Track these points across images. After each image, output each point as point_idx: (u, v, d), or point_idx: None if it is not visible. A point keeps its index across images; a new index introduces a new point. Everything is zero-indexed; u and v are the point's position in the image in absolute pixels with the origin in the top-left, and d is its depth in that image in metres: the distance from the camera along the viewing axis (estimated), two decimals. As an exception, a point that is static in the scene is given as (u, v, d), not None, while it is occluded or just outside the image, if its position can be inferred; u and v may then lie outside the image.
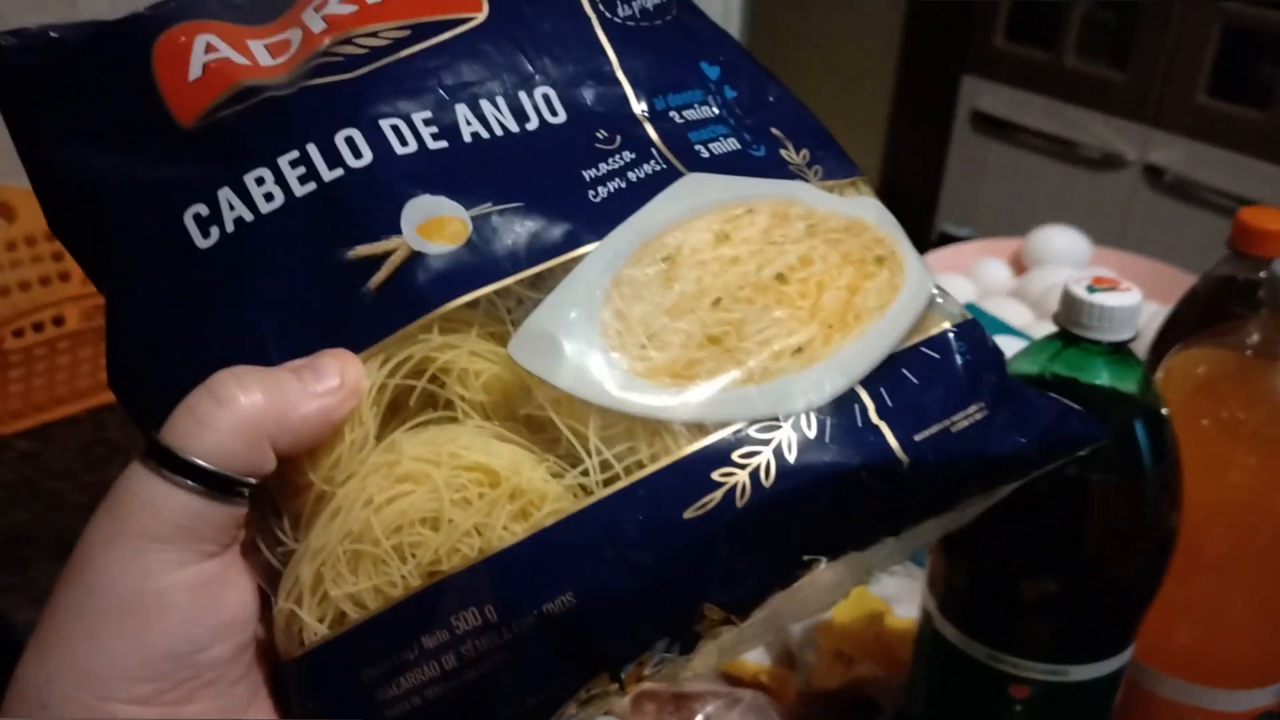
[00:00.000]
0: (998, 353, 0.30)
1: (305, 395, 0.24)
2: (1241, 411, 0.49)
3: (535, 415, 0.26)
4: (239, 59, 0.29)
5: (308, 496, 0.26)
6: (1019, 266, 0.96)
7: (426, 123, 0.28)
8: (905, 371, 0.28)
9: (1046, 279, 0.90)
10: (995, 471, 0.30)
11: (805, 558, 0.27)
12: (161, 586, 0.23)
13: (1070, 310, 0.44)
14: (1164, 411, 0.45)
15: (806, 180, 0.31)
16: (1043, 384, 0.46)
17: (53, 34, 0.29)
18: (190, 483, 0.24)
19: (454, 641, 0.24)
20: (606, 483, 0.25)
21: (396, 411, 0.27)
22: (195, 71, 0.28)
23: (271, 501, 0.26)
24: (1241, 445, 0.49)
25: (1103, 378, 0.45)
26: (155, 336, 0.27)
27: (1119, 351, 0.44)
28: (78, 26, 0.30)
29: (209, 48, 0.28)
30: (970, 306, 0.74)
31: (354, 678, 0.24)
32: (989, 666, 0.47)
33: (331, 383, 0.25)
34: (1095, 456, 0.44)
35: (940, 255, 0.96)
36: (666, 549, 0.25)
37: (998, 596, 0.47)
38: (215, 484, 0.24)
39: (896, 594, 0.69)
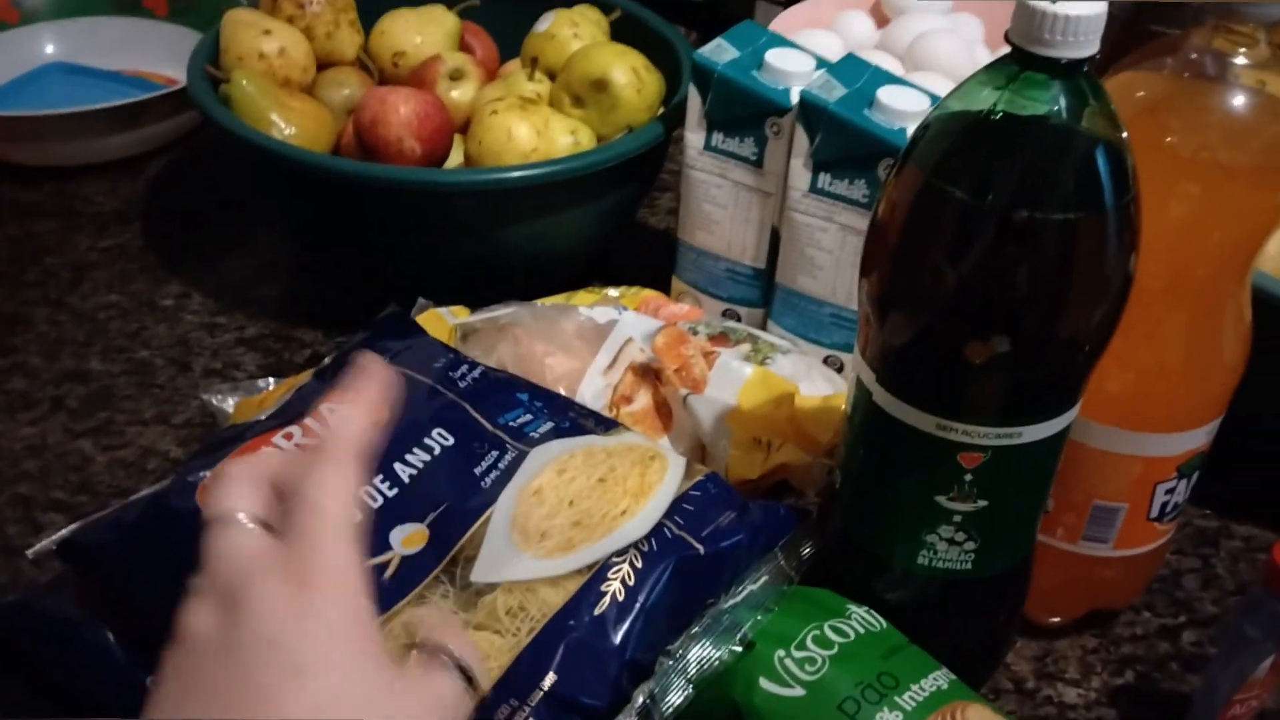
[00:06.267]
0: (729, 487, 0.51)
1: None
2: (1185, 137, 0.45)
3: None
4: None
5: None
6: (880, 18, 0.90)
7: (383, 481, 0.47)
8: (685, 505, 0.48)
9: (911, 29, 0.85)
10: (748, 549, 0.48)
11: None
12: None
13: (1027, 26, 0.38)
14: (1124, 139, 0.40)
15: (592, 433, 0.51)
16: (990, 123, 0.41)
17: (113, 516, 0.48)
18: None
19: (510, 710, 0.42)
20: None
21: None
22: None
23: None
24: (1184, 173, 0.45)
25: (1059, 105, 0.39)
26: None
27: (1075, 74, 0.39)
28: (130, 505, 0.48)
29: None
30: (851, 59, 0.68)
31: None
32: (938, 437, 0.44)
33: None
34: (1052, 196, 0.40)
35: (798, 11, 0.89)
36: (586, 631, 0.44)
37: (946, 361, 0.43)
38: None
39: (794, 373, 0.65)
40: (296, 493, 0.34)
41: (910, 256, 0.43)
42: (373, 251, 0.72)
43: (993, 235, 0.40)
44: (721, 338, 0.67)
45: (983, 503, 0.45)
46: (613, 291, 0.72)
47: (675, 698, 0.44)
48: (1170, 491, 0.53)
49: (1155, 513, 0.53)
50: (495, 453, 0.49)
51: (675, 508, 0.47)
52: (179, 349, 0.74)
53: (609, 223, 0.75)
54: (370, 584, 0.40)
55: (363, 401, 0.37)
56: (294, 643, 0.31)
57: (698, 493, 0.48)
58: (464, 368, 0.54)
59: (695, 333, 0.65)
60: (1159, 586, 0.62)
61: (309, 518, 0.33)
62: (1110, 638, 0.59)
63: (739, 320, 0.73)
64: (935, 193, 0.41)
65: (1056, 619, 0.58)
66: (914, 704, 0.43)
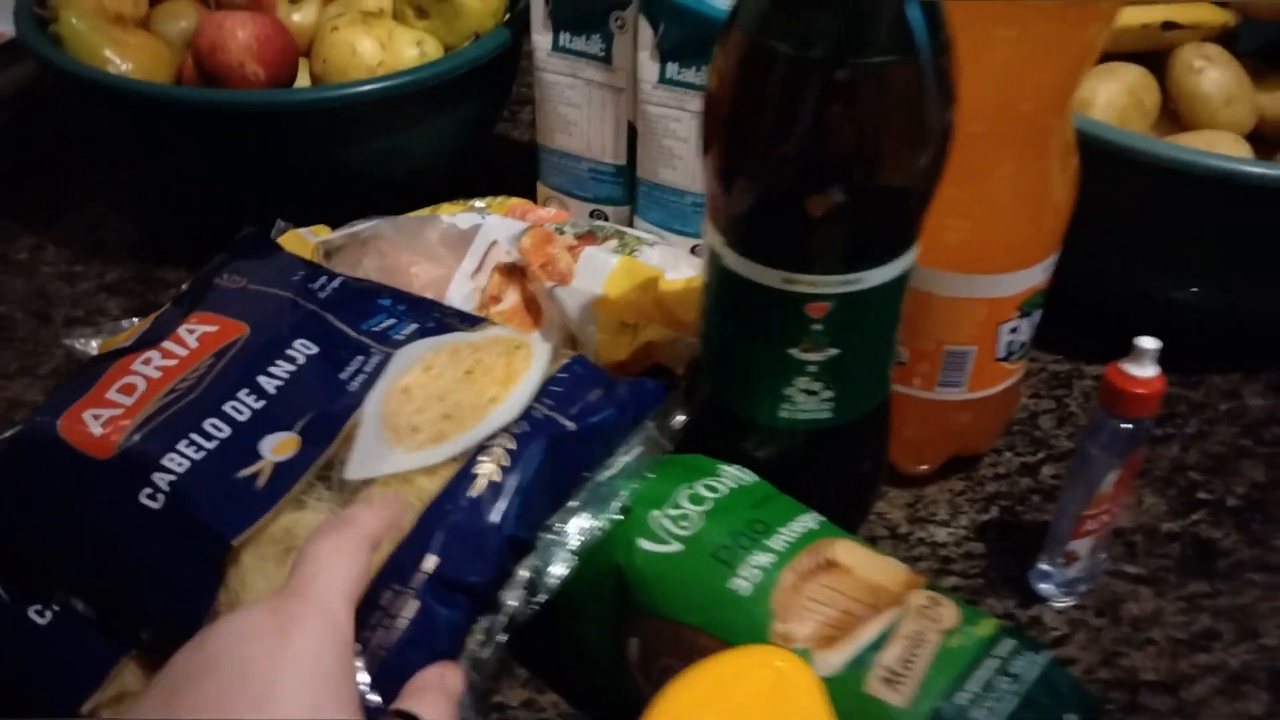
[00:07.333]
0: (596, 367, 0.51)
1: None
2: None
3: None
4: (116, 412, 0.47)
5: None
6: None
7: (248, 394, 0.47)
8: (553, 387, 0.49)
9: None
10: (617, 423, 0.49)
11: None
12: None
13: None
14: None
15: (458, 330, 0.52)
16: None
17: None
18: None
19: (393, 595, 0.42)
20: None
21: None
22: (97, 431, 0.47)
23: None
24: (999, 18, 0.47)
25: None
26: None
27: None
28: None
29: (94, 416, 0.47)
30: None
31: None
32: (785, 291, 0.45)
33: None
34: (869, 44, 0.42)
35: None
36: (464, 514, 0.44)
37: (786, 217, 0.44)
38: None
39: (661, 263, 0.67)
40: (303, 552, 0.37)
41: (741, 121, 0.44)
42: (228, 182, 0.71)
43: (815, 88, 0.42)
44: (589, 236, 0.67)
45: (833, 351, 0.47)
46: (479, 203, 0.73)
47: (559, 568, 0.46)
48: (1014, 331, 0.55)
49: (1002, 353, 0.56)
50: (360, 357, 0.49)
51: (544, 391, 0.48)
52: (38, 301, 0.72)
53: (465, 133, 0.75)
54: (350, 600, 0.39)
55: (379, 505, 0.42)
56: (265, 673, 0.33)
57: (565, 375, 0.50)
58: (323, 279, 0.54)
59: (562, 233, 0.66)
60: (1019, 429, 0.65)
61: (310, 572, 0.36)
62: (976, 479, 0.62)
63: (606, 220, 0.74)
64: (756, 53, 0.43)
65: (924, 466, 0.61)
66: (786, 545, 0.45)
